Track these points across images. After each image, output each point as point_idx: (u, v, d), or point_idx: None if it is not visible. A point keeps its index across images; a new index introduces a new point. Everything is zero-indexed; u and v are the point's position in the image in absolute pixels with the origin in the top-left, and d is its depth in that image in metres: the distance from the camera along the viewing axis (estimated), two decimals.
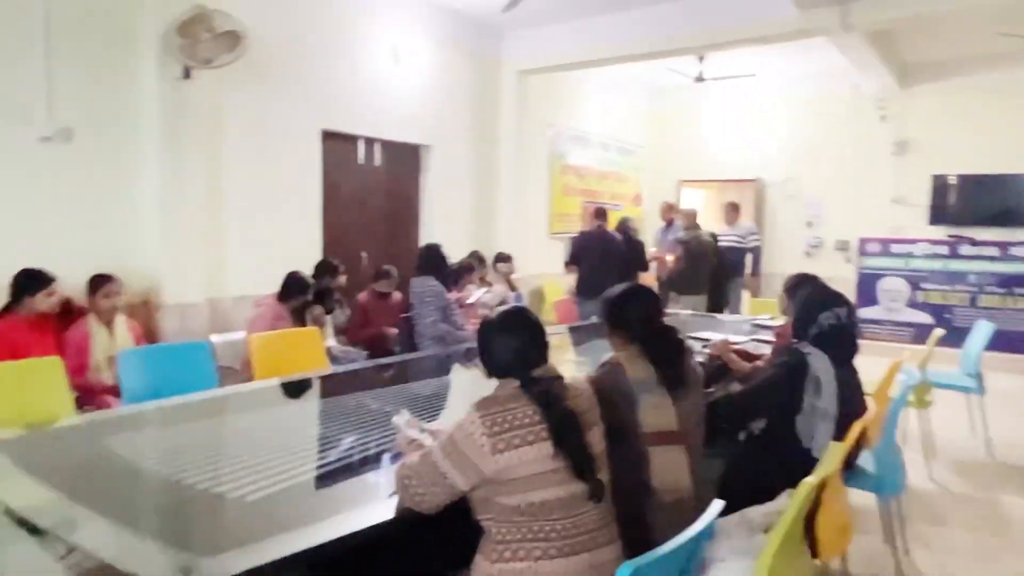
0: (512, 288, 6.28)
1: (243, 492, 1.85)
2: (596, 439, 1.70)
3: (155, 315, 4.27)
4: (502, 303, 5.56)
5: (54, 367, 2.90)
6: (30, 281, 3.46)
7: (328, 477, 2.06)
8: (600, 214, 6.56)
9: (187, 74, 4.25)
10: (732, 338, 3.65)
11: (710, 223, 9.23)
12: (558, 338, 4.61)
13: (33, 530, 1.62)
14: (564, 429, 1.60)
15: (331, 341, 4.52)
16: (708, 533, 1.63)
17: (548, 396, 1.63)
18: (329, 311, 4.63)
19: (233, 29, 4.17)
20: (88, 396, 3.37)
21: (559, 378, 1.72)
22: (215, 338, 4.09)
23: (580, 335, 4.81)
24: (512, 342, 1.71)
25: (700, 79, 7.75)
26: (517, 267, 6.51)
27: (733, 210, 7.40)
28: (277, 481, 1.96)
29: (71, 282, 3.67)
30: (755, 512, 1.86)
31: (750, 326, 4.77)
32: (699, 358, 2.91)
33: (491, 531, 1.63)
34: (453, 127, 6.70)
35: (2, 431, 2.29)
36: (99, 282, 3.66)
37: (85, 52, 4.04)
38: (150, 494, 1.99)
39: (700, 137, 9.79)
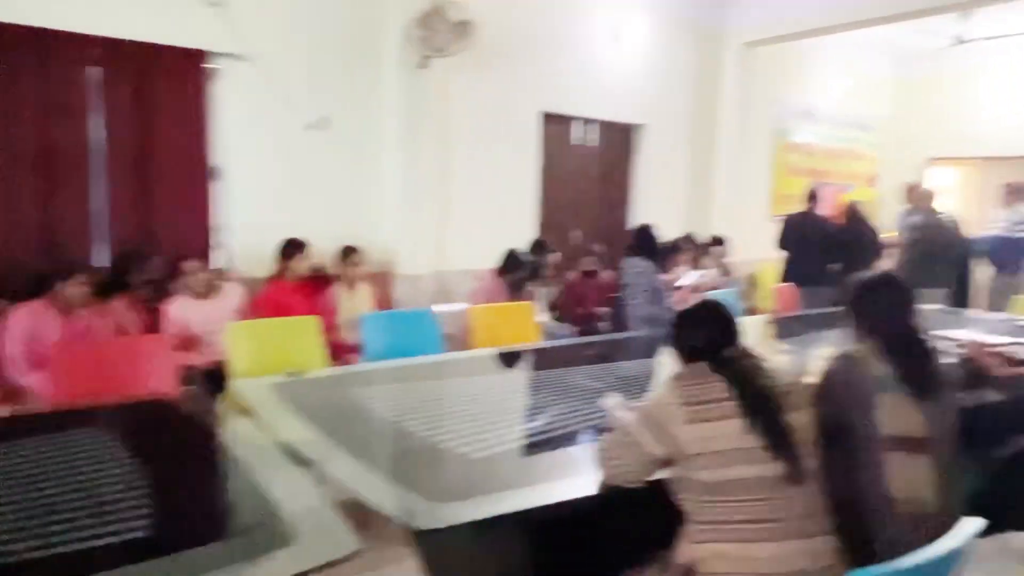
0: (726, 272, 6.01)
1: (467, 449, 2.01)
2: (800, 423, 1.63)
3: (391, 284, 4.75)
4: (714, 288, 5.35)
5: (312, 325, 3.35)
6: (289, 247, 4.05)
7: (540, 445, 2.15)
8: (811, 196, 6.00)
9: (424, 63, 4.61)
10: (988, 339, 3.16)
11: (975, 207, 8.02)
12: (767, 327, 4.35)
13: (298, 460, 1.90)
14: (756, 406, 1.59)
15: (542, 316, 4.68)
16: (956, 555, 1.45)
17: (738, 373, 1.64)
18: (541, 287, 4.80)
19: (465, 18, 4.44)
20: (335, 352, 3.84)
21: (751, 357, 1.72)
22: (439, 307, 4.43)
23: (791, 325, 4.48)
24: (701, 332, 1.75)
25: (962, 40, 6.71)
26: (732, 251, 6.21)
27: (1014, 192, 6.29)
28: (496, 443, 2.10)
29: (324, 252, 4.21)
30: (1020, 539, 1.61)
31: (1014, 327, 4.10)
32: (948, 359, 2.56)
33: (691, 511, 1.62)
34: (669, 105, 6.53)
35: (270, 376, 2.71)
36: (347, 253, 4.16)
37: (341, 49, 4.56)
38: (388, 440, 2.23)
39: (957, 108, 8.49)
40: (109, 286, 3.51)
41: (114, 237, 3.84)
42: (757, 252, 7.06)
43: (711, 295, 4.66)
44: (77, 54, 3.64)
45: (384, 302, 4.42)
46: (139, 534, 1.50)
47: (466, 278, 4.81)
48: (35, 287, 3.26)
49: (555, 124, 5.78)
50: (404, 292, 4.72)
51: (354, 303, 4.13)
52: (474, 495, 1.74)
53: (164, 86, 3.90)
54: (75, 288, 3.21)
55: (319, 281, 4.20)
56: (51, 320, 3.17)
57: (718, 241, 6.10)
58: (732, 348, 1.72)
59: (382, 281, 4.63)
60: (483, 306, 3.95)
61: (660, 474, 1.67)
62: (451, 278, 5.01)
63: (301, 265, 4.06)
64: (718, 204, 6.89)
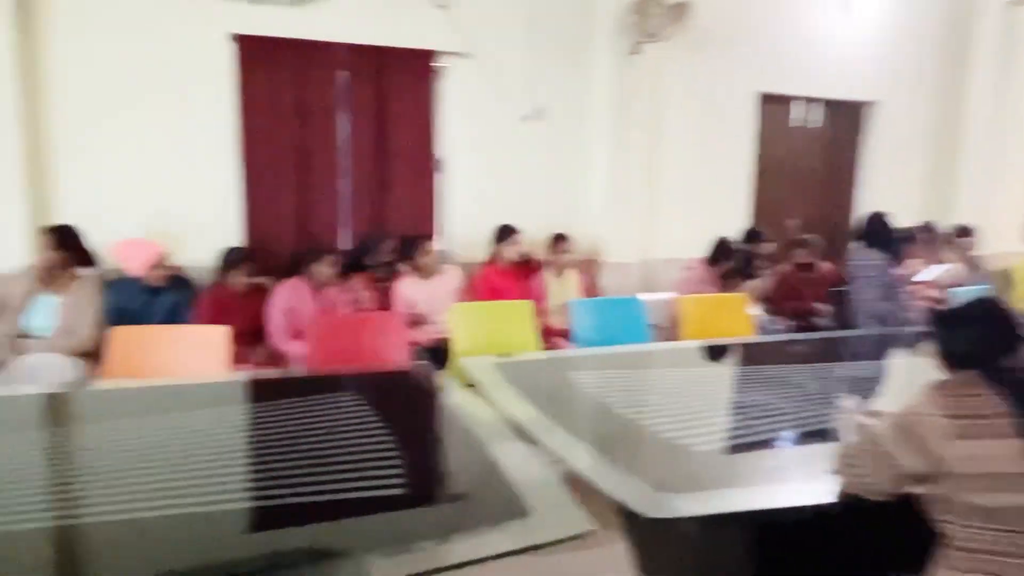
0: (973, 267, 5.26)
1: (689, 442, 1.97)
2: None
3: (597, 271, 4.79)
4: (959, 284, 4.73)
5: (526, 309, 3.49)
6: (502, 233, 4.25)
7: (760, 444, 2.05)
8: None
9: (636, 50, 4.57)
10: None
11: None
12: None
13: (523, 436, 2.00)
14: None
15: (755, 309, 4.45)
16: None
17: (1020, 386, 1.43)
18: (753, 279, 4.56)
19: (680, 1, 4.32)
20: (544, 336, 3.97)
21: None
22: (644, 296, 4.39)
23: None
24: (973, 334, 1.55)
25: None
26: (983, 242, 5.43)
27: None
28: (716, 438, 2.05)
29: (535, 239, 4.36)
30: None
31: None
32: None
33: (952, 536, 1.46)
34: (907, 79, 5.82)
35: (487, 356, 2.87)
36: (556, 240, 4.27)
37: (555, 40, 4.65)
38: (607, 425, 2.26)
39: None
40: (350, 266, 3.93)
41: (354, 223, 4.29)
42: (1015, 244, 6.11)
43: (958, 292, 4.13)
44: (328, 60, 4.10)
45: (591, 289, 4.47)
46: (392, 491, 1.66)
47: (673, 267, 4.71)
48: (292, 267, 3.75)
49: (773, 105, 5.43)
50: (610, 280, 4.74)
51: (562, 289, 4.24)
52: (700, 489, 1.71)
53: (398, 85, 4.27)
54: (325, 268, 3.64)
55: (529, 266, 4.36)
56: (306, 296, 3.62)
57: (964, 231, 5.37)
58: (1011, 357, 1.50)
59: (589, 268, 4.69)
60: (693, 296, 3.85)
61: (911, 489, 1.52)
62: (658, 267, 4.94)
63: (512, 250, 4.24)
64: (965, 189, 6.04)
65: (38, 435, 2.08)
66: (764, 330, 4.10)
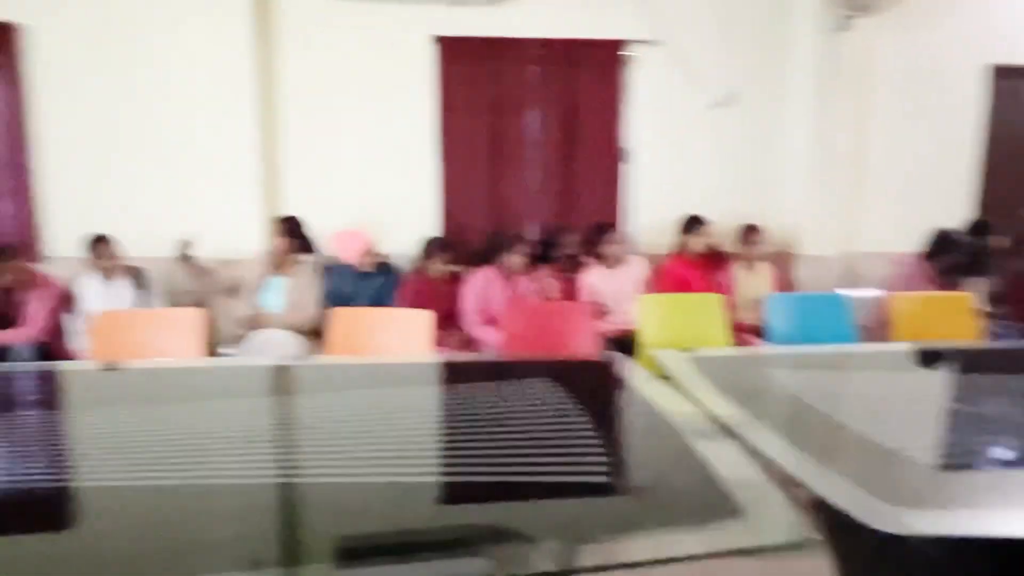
0: None
1: (912, 454, 1.80)
2: None
3: (791, 265, 4.51)
4: None
5: (716, 302, 3.37)
6: (689, 223, 4.14)
7: (1000, 463, 1.82)
8: None
9: (844, 25, 4.21)
10: None
11: None
12: None
13: (727, 433, 1.93)
14: None
15: (983, 311, 3.95)
16: None
17: None
18: (980, 276, 4.04)
19: None
20: (734, 332, 3.81)
21: None
22: (847, 292, 4.06)
23: None
24: None
25: None
26: None
27: None
28: (944, 452, 1.85)
29: (724, 230, 4.19)
30: None
31: None
32: None
33: None
34: None
35: (676, 348, 2.79)
36: (748, 231, 4.08)
37: (751, 20, 4.43)
38: (819, 429, 2.11)
39: None
40: (537, 256, 4.03)
41: (543, 214, 4.41)
42: None
43: None
44: (520, 56, 4.23)
45: (784, 284, 4.23)
46: (590, 478, 1.68)
47: (878, 261, 4.32)
48: (485, 256, 3.93)
49: (1007, 79, 4.76)
50: (806, 274, 4.45)
51: (753, 283, 4.04)
52: (933, 506, 1.55)
53: (587, 77, 4.30)
54: (515, 258, 3.77)
55: (717, 258, 4.21)
56: (497, 284, 3.78)
57: None
58: None
59: (782, 261, 4.43)
60: (908, 294, 3.50)
61: None
62: (860, 261, 4.55)
63: (699, 242, 4.11)
64: None
65: (266, 402, 2.36)
66: (994, 335, 3.63)
